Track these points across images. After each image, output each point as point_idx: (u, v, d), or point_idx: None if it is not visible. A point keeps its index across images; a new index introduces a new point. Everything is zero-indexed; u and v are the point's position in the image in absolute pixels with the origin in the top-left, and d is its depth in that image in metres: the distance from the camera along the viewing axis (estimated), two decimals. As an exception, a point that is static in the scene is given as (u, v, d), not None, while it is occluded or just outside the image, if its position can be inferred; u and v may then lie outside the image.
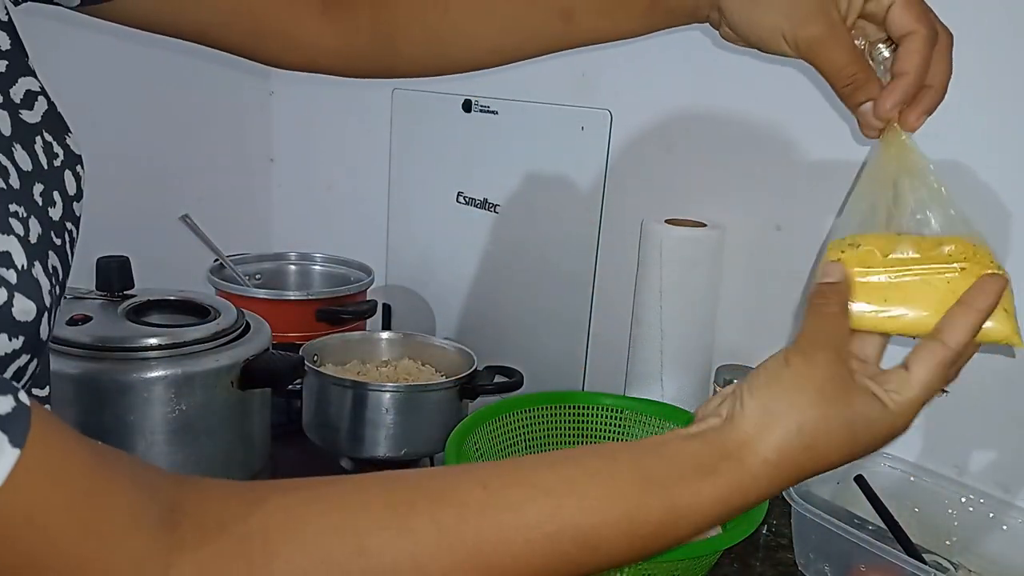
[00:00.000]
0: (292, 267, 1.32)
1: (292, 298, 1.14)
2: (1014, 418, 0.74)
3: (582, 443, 0.84)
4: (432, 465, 0.99)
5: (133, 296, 0.83)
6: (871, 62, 0.53)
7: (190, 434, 0.75)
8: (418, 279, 1.41)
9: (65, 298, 0.81)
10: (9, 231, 0.36)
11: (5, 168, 0.39)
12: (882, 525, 0.73)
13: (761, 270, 0.91)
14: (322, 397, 0.93)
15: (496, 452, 0.79)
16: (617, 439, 0.84)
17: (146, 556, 0.34)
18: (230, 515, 0.36)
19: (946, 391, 0.77)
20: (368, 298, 1.21)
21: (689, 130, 0.97)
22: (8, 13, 0.44)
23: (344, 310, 1.12)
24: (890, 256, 0.48)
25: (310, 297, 1.13)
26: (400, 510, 0.37)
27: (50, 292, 0.38)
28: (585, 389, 1.12)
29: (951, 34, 0.52)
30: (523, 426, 0.82)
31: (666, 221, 0.91)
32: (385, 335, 1.10)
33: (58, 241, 0.41)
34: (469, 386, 0.95)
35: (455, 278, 1.33)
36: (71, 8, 0.51)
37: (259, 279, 1.23)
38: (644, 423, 0.83)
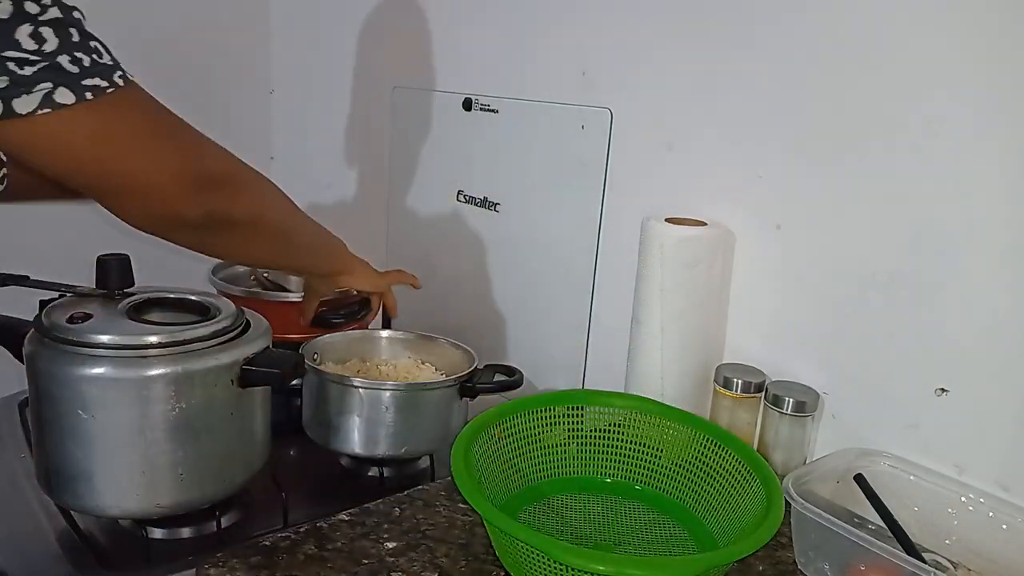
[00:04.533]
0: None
1: (292, 300, 1.13)
2: (1014, 418, 0.74)
3: (582, 441, 0.84)
4: (433, 465, 0.99)
5: (133, 294, 0.83)
6: None
7: (190, 432, 0.75)
8: (418, 277, 1.41)
9: (66, 296, 0.81)
10: None
11: None
12: (882, 524, 0.73)
13: (761, 269, 0.91)
14: (322, 395, 0.93)
15: (496, 456, 0.79)
16: (617, 438, 0.84)
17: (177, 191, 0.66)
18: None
19: (946, 390, 0.78)
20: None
21: (689, 128, 0.97)
22: None
23: (335, 315, 1.10)
24: None
25: (300, 299, 1.11)
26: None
27: None
28: (585, 388, 1.12)
29: None
30: (525, 427, 0.82)
31: (667, 220, 0.91)
32: (385, 333, 1.10)
33: None
34: (469, 385, 0.95)
35: (455, 277, 1.33)
36: None
37: (267, 276, 1.23)
38: (647, 423, 0.83)
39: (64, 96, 0.57)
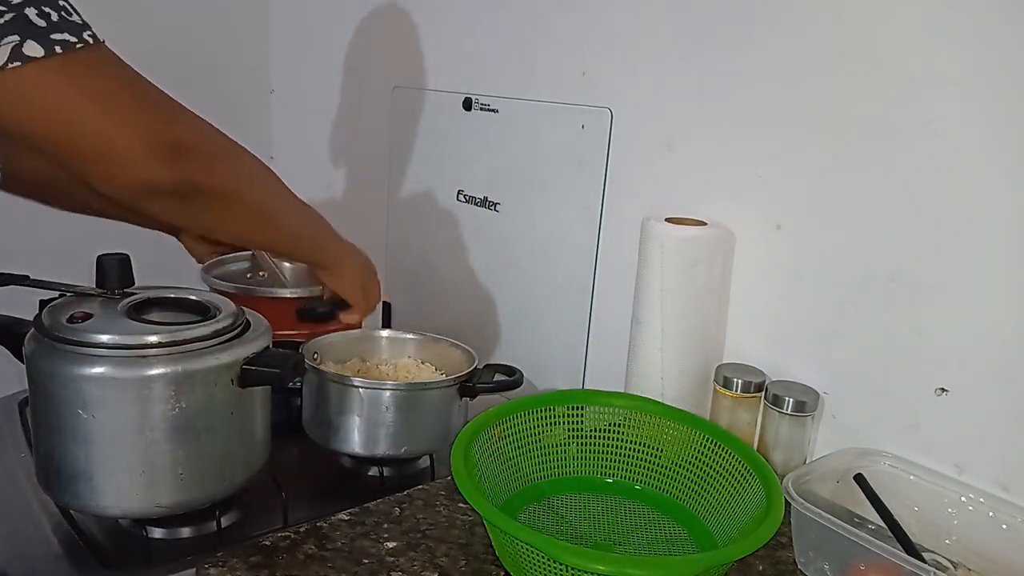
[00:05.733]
0: (288, 266, 1.31)
1: (282, 296, 1.12)
2: (1014, 417, 0.74)
3: (582, 441, 0.84)
4: (433, 465, 0.99)
5: (133, 294, 0.83)
6: None
7: (190, 432, 0.75)
8: (418, 277, 1.41)
9: (66, 296, 0.81)
10: None
11: None
12: (882, 524, 0.73)
13: (761, 269, 0.91)
14: (322, 395, 0.93)
15: (496, 456, 0.79)
16: (617, 438, 0.84)
17: (145, 155, 0.62)
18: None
19: (946, 390, 0.78)
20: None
21: (689, 128, 0.97)
22: None
23: (320, 305, 1.08)
24: None
25: (294, 295, 1.11)
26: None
27: None
28: (585, 388, 1.12)
29: None
30: (525, 427, 0.82)
31: (667, 220, 0.91)
32: (385, 333, 1.10)
33: None
34: (469, 384, 0.95)
35: (455, 276, 1.33)
36: None
37: (263, 276, 1.22)
38: (647, 423, 0.83)
39: (33, 49, 0.55)
